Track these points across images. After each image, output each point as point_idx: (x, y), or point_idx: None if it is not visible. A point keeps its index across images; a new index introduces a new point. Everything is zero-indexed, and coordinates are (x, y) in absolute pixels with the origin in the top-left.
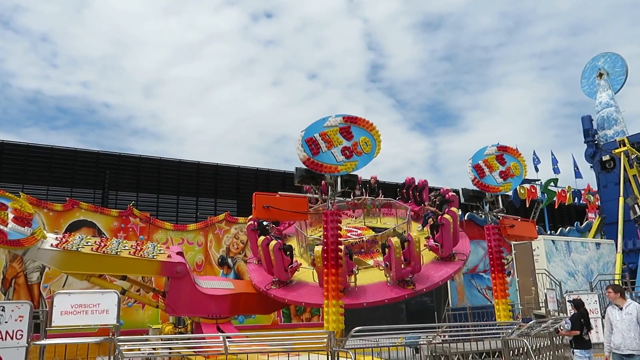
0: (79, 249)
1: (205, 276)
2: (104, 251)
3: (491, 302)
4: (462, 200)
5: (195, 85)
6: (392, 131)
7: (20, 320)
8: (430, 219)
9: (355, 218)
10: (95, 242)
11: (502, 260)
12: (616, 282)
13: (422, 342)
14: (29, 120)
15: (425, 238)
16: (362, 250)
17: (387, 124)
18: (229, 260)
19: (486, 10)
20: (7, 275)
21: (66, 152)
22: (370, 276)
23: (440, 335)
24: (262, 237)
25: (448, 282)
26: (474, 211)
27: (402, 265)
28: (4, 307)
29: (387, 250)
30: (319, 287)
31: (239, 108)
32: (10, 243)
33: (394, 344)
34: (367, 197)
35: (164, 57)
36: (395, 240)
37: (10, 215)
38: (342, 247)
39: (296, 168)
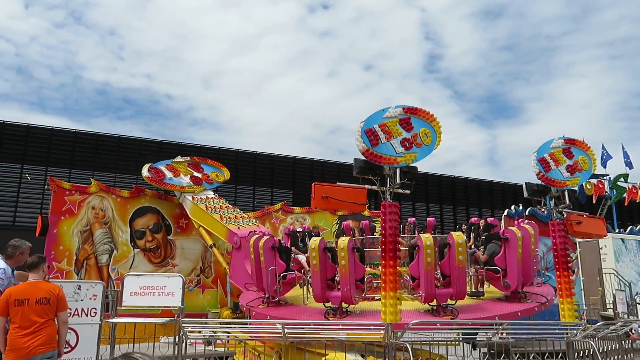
0: (198, 204)
1: None
2: (209, 210)
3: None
4: (526, 195)
5: (251, 77)
6: (449, 123)
7: (94, 299)
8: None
9: None
10: (213, 201)
11: (568, 258)
12: None
13: (480, 339)
14: (98, 110)
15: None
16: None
17: (443, 115)
18: None
19: None
20: (80, 257)
21: (132, 141)
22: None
23: (500, 333)
24: (255, 236)
25: None
26: (537, 207)
27: (437, 282)
28: (80, 285)
29: (415, 252)
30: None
31: (294, 99)
32: (171, 186)
33: (449, 339)
34: None
35: (222, 49)
36: (426, 237)
37: (192, 172)
38: (345, 240)
39: (355, 159)
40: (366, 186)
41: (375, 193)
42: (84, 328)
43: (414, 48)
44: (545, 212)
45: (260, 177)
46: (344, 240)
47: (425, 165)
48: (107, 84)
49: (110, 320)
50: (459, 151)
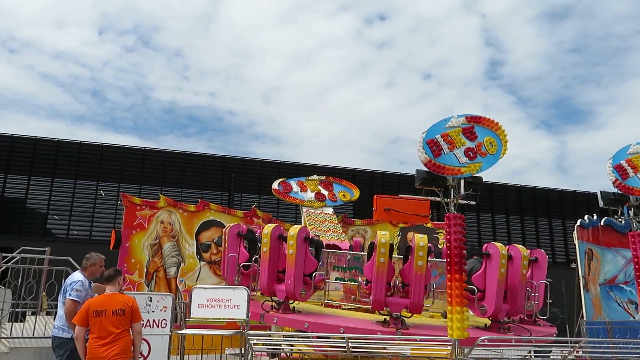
0: (305, 216)
1: None
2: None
3: (634, 317)
4: (602, 204)
5: (310, 90)
6: (513, 130)
7: (164, 311)
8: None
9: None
10: (321, 215)
11: None
12: None
13: (555, 357)
14: (165, 128)
15: None
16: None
17: (507, 122)
18: None
19: None
20: (150, 269)
21: (197, 157)
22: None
23: (576, 351)
24: (271, 225)
25: (582, 292)
26: (614, 216)
27: (395, 287)
28: (151, 297)
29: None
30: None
31: (353, 111)
32: (292, 199)
33: (521, 357)
34: None
35: (282, 64)
36: (382, 235)
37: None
38: (297, 228)
39: (417, 170)
40: (429, 198)
41: (438, 204)
42: (155, 339)
43: (475, 55)
44: (624, 222)
45: None
46: (295, 229)
47: (490, 175)
48: (173, 103)
49: (179, 331)
50: (526, 159)
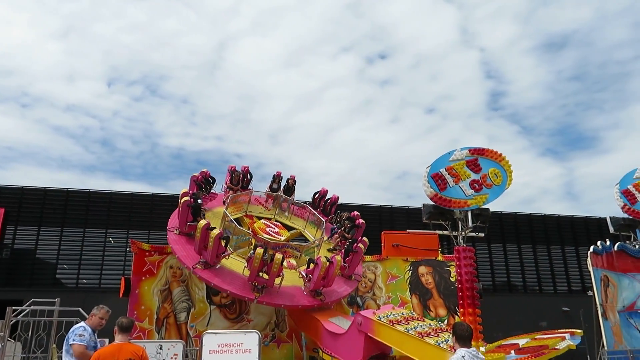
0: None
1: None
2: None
3: None
4: (612, 230)
5: (316, 130)
6: (519, 159)
7: (175, 358)
8: (337, 234)
9: (267, 209)
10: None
11: None
12: None
13: None
14: (173, 173)
15: (327, 250)
16: (277, 248)
17: (513, 152)
18: (358, 299)
19: (617, 23)
20: (160, 316)
21: None
22: (286, 277)
23: None
24: (203, 222)
25: (601, 321)
26: (627, 241)
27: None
28: (161, 345)
29: (312, 265)
30: (246, 279)
31: (359, 148)
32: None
33: None
34: (282, 194)
35: (287, 106)
36: (323, 260)
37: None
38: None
39: (423, 204)
40: (437, 232)
41: (447, 237)
42: None
43: (476, 87)
44: (638, 247)
45: None
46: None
47: (499, 205)
48: (181, 149)
49: None
50: (534, 187)
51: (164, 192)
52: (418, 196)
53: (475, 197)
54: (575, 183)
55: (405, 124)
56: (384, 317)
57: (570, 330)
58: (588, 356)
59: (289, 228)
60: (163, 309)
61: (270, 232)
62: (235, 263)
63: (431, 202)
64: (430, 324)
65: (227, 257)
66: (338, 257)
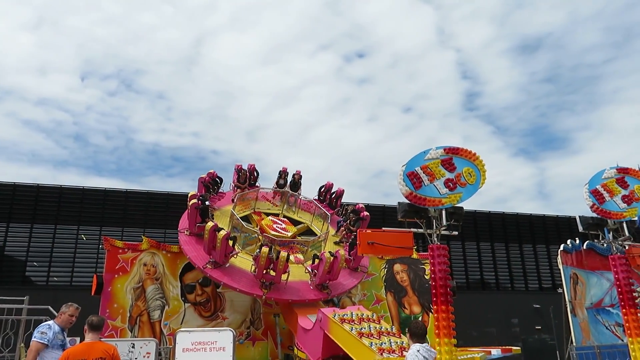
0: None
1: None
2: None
3: (623, 340)
4: (581, 229)
5: (294, 127)
6: (493, 159)
7: (148, 357)
8: (343, 228)
9: (274, 205)
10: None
11: (634, 294)
12: None
13: None
14: (148, 169)
15: (334, 243)
16: (284, 244)
17: (487, 151)
18: (335, 299)
19: (589, 27)
20: (133, 314)
21: (180, 196)
22: (293, 272)
23: None
24: (210, 223)
25: (570, 317)
26: (595, 240)
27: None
28: (134, 344)
29: (317, 260)
30: (254, 277)
31: (336, 146)
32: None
33: None
34: (289, 190)
35: (265, 103)
36: (327, 255)
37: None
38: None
39: (399, 203)
40: (412, 229)
41: (422, 235)
42: None
43: (452, 87)
44: (605, 246)
45: None
46: (222, 233)
47: (472, 203)
48: (157, 145)
49: None
50: (507, 187)
51: (139, 188)
52: (395, 194)
53: (450, 195)
54: (546, 183)
55: (382, 123)
56: (338, 315)
57: (508, 347)
58: (557, 352)
59: (296, 223)
60: (136, 306)
61: (278, 229)
62: (244, 261)
63: (406, 201)
64: (380, 327)
65: (235, 255)
66: (342, 252)
